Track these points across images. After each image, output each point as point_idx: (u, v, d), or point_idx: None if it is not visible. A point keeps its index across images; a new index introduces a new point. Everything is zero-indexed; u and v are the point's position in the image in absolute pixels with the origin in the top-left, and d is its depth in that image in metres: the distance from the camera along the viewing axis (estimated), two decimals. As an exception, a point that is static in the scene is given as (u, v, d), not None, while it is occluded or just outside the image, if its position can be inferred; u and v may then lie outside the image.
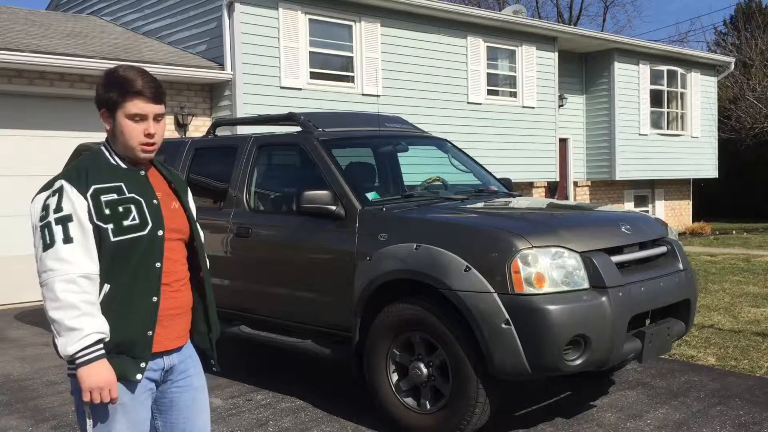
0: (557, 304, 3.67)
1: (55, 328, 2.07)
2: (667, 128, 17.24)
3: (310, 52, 11.10)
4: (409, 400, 4.14)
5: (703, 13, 58.27)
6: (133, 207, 2.19)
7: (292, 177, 5.49)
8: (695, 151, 17.79)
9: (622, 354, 3.93)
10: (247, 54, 10.37)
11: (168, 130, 10.14)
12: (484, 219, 4.46)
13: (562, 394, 4.88)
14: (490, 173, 5.80)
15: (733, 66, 18.63)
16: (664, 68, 16.88)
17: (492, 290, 3.72)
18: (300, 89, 10.90)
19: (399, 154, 5.92)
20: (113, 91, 2.19)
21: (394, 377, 4.19)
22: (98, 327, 2.08)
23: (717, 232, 17.15)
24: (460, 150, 5.97)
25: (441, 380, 4.00)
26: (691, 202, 18.83)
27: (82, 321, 2.06)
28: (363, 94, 11.60)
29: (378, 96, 11.43)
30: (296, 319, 4.82)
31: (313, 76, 11.16)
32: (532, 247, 3.77)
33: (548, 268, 3.75)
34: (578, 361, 3.75)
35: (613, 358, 3.89)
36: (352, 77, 11.65)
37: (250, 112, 10.00)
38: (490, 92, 13.66)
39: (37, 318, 8.08)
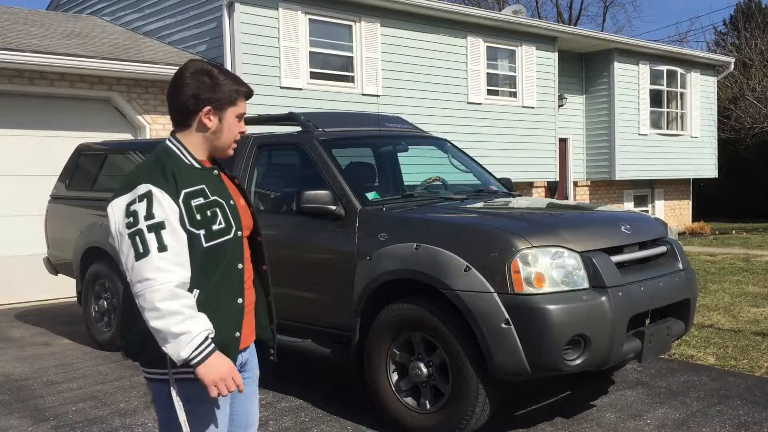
0: (557, 303, 3.67)
1: (159, 337, 2.03)
2: (667, 128, 17.24)
3: (310, 52, 11.10)
4: (409, 400, 4.14)
5: (703, 13, 58.31)
6: (218, 210, 2.17)
7: (292, 177, 5.49)
8: (695, 151, 17.79)
9: (621, 354, 3.93)
10: (247, 54, 10.37)
11: (167, 129, 10.15)
12: (484, 219, 4.46)
13: (562, 394, 4.89)
14: (490, 173, 5.80)
15: (732, 66, 18.64)
16: (664, 68, 16.88)
17: (492, 290, 3.72)
18: (300, 89, 10.90)
19: (399, 154, 5.92)
20: (227, 90, 2.20)
21: (394, 377, 4.19)
22: (203, 325, 2.06)
23: (717, 232, 17.14)
24: (460, 150, 5.97)
25: (441, 380, 4.00)
26: (690, 202, 18.83)
27: (188, 324, 2.02)
28: (363, 94, 11.61)
29: (378, 96, 11.43)
30: (296, 319, 4.82)
31: (313, 76, 11.16)
32: (532, 246, 3.77)
33: (548, 268, 3.76)
34: (578, 361, 3.75)
35: (612, 358, 3.90)
36: (352, 77, 11.66)
37: (250, 112, 9.96)
38: (490, 92, 13.67)
39: (37, 318, 8.09)
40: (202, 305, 2.11)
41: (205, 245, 2.12)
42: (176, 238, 2.06)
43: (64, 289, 8.40)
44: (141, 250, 2.03)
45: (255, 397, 2.47)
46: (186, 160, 2.20)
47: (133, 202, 2.06)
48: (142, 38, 11.62)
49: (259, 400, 2.54)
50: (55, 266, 7.27)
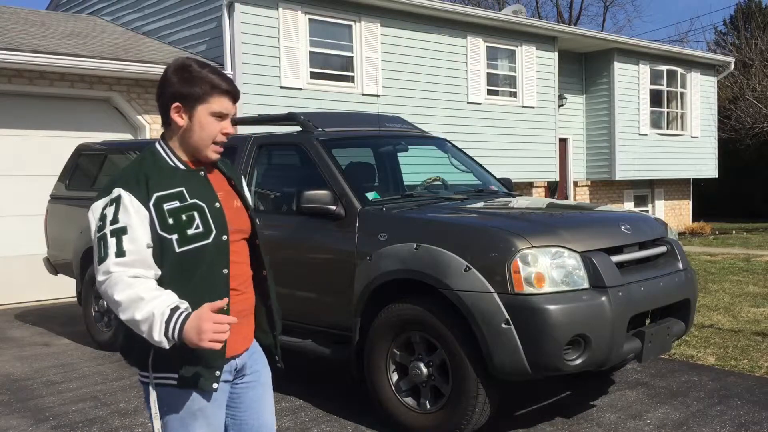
0: (557, 303, 3.67)
1: (133, 327, 1.99)
2: (667, 128, 17.24)
3: (310, 52, 11.10)
4: (409, 400, 4.14)
5: (703, 13, 58.32)
6: (196, 214, 2.10)
7: (292, 177, 5.49)
8: (695, 151, 17.79)
9: (621, 354, 3.93)
10: (247, 54, 10.37)
11: (168, 130, 10.14)
12: (484, 219, 4.46)
13: (562, 394, 4.89)
14: (490, 173, 5.80)
15: (732, 66, 18.64)
16: (664, 68, 16.88)
17: (492, 290, 3.72)
18: (300, 89, 10.90)
19: (399, 154, 5.92)
20: (198, 86, 2.11)
21: (394, 377, 4.19)
22: (166, 302, 1.97)
23: (717, 232, 17.14)
24: (460, 150, 5.97)
25: (441, 380, 4.00)
26: (690, 202, 18.83)
27: (150, 306, 1.96)
28: (363, 94, 11.60)
29: (378, 96, 11.43)
30: (296, 319, 4.82)
31: (313, 76, 11.16)
32: (532, 246, 3.77)
33: (548, 268, 3.75)
34: (578, 361, 3.75)
35: (612, 358, 3.90)
36: (352, 77, 11.66)
37: (250, 112, 10.01)
38: (490, 92, 13.67)
39: (37, 318, 8.09)
40: None
41: (178, 250, 2.07)
42: (137, 245, 2.02)
43: (64, 289, 8.40)
44: (102, 255, 2.02)
45: (264, 402, 2.39)
46: (169, 162, 2.16)
47: (106, 206, 2.06)
48: (142, 38, 11.62)
49: (273, 408, 2.45)
50: (55, 266, 7.27)
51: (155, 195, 2.06)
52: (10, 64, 8.66)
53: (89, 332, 6.66)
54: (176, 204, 2.08)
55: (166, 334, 1.95)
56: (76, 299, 7.05)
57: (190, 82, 2.11)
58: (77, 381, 5.51)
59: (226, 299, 2.04)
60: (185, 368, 2.09)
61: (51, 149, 9.01)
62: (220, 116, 2.15)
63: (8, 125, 9.04)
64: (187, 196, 2.10)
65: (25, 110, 9.16)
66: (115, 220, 2.03)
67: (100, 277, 2.03)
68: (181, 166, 2.16)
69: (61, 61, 8.91)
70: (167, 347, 1.98)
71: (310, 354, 4.76)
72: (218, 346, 1.97)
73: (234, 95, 2.17)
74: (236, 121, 7.96)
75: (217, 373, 2.13)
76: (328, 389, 5.13)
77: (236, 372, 2.29)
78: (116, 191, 2.06)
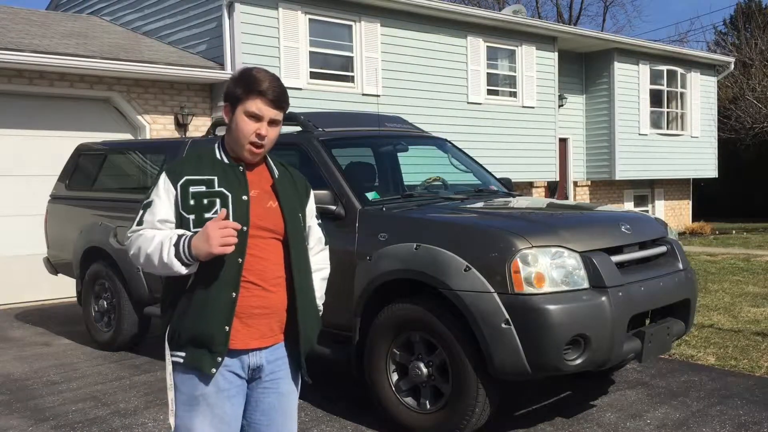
0: (557, 303, 3.67)
1: (156, 269, 2.19)
2: (667, 128, 17.24)
3: (310, 52, 11.10)
4: (409, 400, 4.14)
5: (703, 13, 58.35)
6: (218, 201, 2.22)
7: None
8: (695, 151, 17.79)
9: (621, 354, 3.93)
10: (247, 54, 10.37)
11: (167, 129, 10.15)
12: (484, 219, 4.46)
13: (562, 394, 4.89)
14: (490, 173, 5.80)
15: (732, 66, 18.64)
16: (664, 68, 16.88)
17: (492, 290, 3.72)
18: (300, 89, 10.90)
19: (399, 154, 5.92)
20: (239, 87, 2.24)
21: (394, 377, 4.19)
22: (173, 231, 2.19)
23: (717, 232, 17.14)
24: (460, 150, 5.97)
25: (441, 380, 4.00)
26: (690, 202, 18.83)
27: (157, 240, 2.17)
28: (363, 94, 11.60)
29: (378, 96, 11.43)
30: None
31: (313, 76, 11.16)
32: (532, 246, 3.77)
33: (548, 268, 3.75)
34: (578, 361, 3.75)
35: (612, 358, 3.90)
36: (352, 77, 11.65)
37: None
38: (490, 92, 13.66)
39: (37, 318, 8.09)
40: (192, 291, 2.20)
41: (192, 229, 2.20)
42: (153, 216, 2.24)
43: (64, 289, 8.40)
44: (133, 221, 2.31)
45: (280, 412, 2.35)
46: (216, 155, 2.32)
47: (152, 184, 2.32)
48: (142, 38, 11.62)
49: (295, 420, 2.41)
50: (55, 266, 7.27)
51: (185, 177, 2.25)
52: (10, 64, 8.66)
53: (89, 332, 6.66)
54: (202, 189, 2.24)
55: (177, 256, 2.13)
56: (76, 299, 7.05)
57: (235, 83, 2.26)
58: (77, 381, 5.51)
59: (224, 210, 2.19)
60: (191, 349, 2.21)
61: (51, 149, 9.01)
62: (255, 117, 2.24)
63: (8, 125, 9.04)
64: (215, 184, 2.24)
65: (25, 110, 9.16)
66: (149, 196, 2.28)
67: (126, 242, 2.30)
68: (226, 160, 2.30)
69: (61, 61, 8.90)
70: (183, 271, 2.14)
71: (310, 354, 4.75)
72: (230, 249, 2.12)
73: (270, 99, 2.23)
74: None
75: (219, 359, 2.19)
76: (328, 389, 5.13)
77: (251, 371, 2.28)
78: (161, 174, 2.29)
